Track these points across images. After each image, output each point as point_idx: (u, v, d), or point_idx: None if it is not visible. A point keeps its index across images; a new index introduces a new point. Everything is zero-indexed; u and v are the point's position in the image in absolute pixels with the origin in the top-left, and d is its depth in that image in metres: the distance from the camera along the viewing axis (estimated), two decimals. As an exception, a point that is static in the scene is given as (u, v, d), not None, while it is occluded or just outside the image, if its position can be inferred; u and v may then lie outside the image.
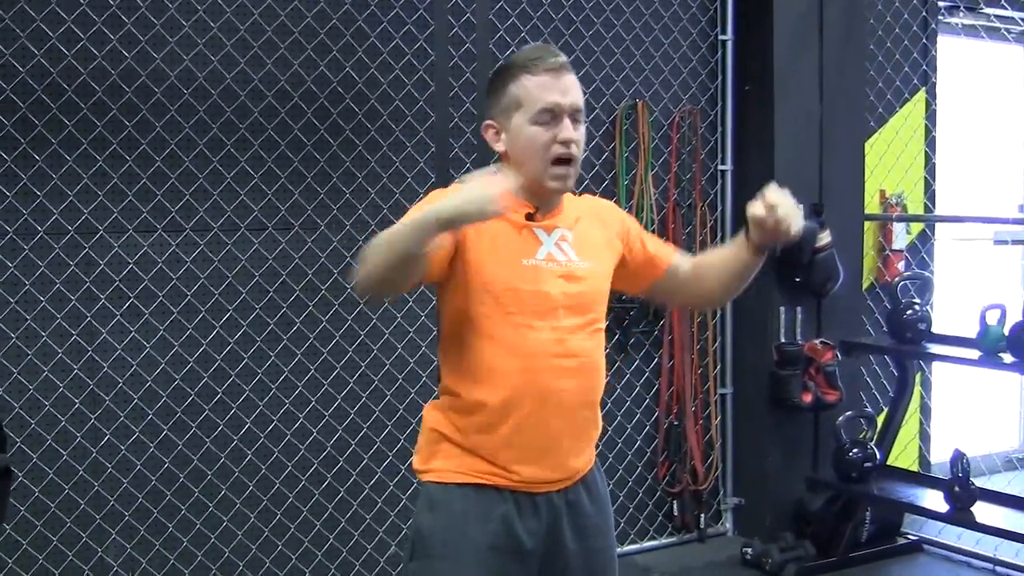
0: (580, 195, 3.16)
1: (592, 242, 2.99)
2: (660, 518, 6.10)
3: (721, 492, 6.26)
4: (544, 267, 2.85)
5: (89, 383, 4.64)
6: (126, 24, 4.60)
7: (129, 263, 4.69)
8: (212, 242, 4.85)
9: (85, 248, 4.60)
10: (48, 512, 4.58)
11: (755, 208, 2.84)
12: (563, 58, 2.87)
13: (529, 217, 2.88)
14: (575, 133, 2.84)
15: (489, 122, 2.94)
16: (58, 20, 4.48)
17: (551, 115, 2.81)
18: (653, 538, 6.09)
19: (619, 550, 5.66)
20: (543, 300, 2.82)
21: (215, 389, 4.89)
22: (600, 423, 3.06)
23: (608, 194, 5.77)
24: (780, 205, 2.81)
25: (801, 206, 2.87)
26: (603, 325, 3.01)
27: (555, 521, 2.90)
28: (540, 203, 2.90)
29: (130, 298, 4.70)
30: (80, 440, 4.64)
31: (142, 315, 4.73)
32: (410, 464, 5.07)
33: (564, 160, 2.84)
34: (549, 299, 2.83)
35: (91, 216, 4.61)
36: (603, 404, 5.47)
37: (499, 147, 2.92)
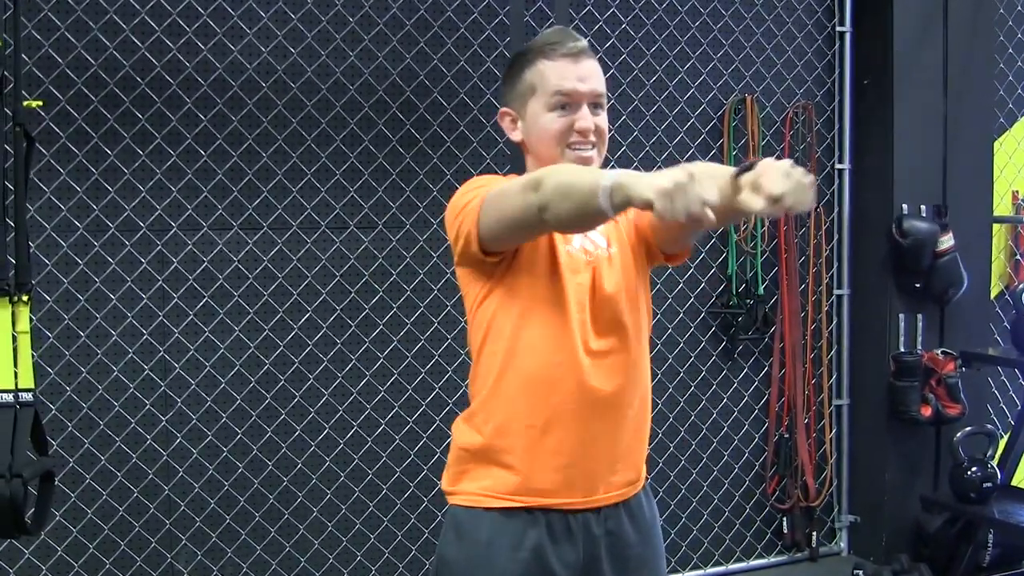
0: None
1: (618, 226, 2.74)
2: (769, 535, 5.79)
3: (835, 509, 5.93)
4: (580, 257, 2.63)
5: (160, 384, 4.53)
6: (202, 15, 4.48)
7: (204, 261, 4.57)
8: (291, 240, 4.70)
9: (158, 245, 4.50)
10: (116, 516, 4.49)
11: (752, 202, 2.11)
12: (583, 42, 2.67)
13: None
14: (594, 121, 2.63)
15: (505, 109, 2.74)
16: (132, 11, 4.38)
17: (568, 100, 2.61)
18: (761, 556, 5.79)
19: (724, 568, 5.55)
20: (576, 292, 2.59)
21: (292, 392, 4.74)
22: (647, 436, 2.79)
23: (716, 194, 5.49)
24: (785, 195, 2.09)
25: (812, 182, 2.13)
26: (646, 323, 2.75)
27: (592, 551, 2.65)
28: None
29: (204, 297, 4.58)
30: (151, 443, 4.53)
31: (216, 315, 4.60)
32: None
33: (582, 145, 2.62)
34: (582, 291, 2.60)
35: (164, 213, 4.50)
36: (708, 414, 5.32)
37: (516, 136, 2.72)
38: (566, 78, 2.61)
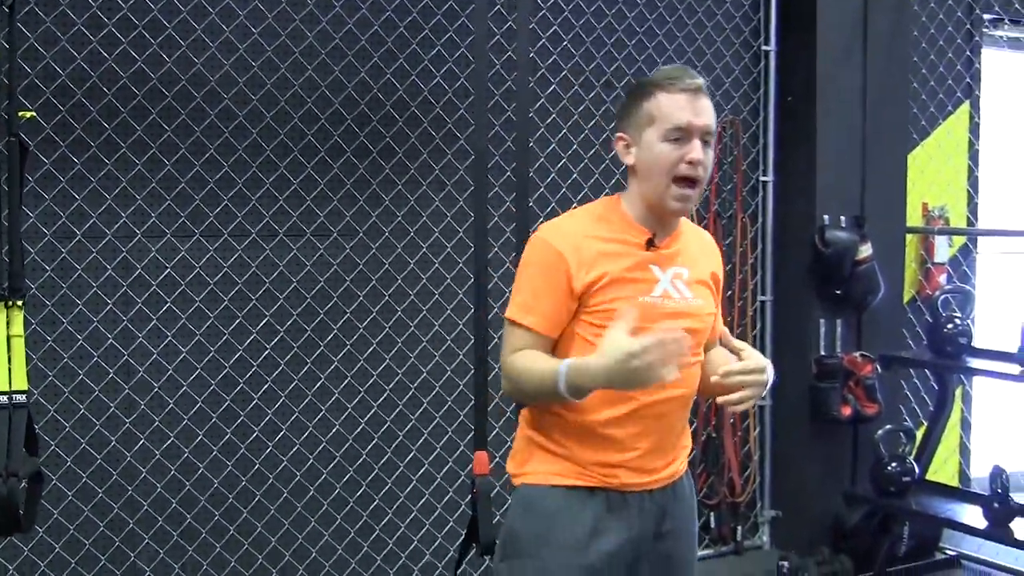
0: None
1: (702, 278, 3.06)
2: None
3: (759, 505, 6.21)
4: (660, 304, 2.93)
5: (124, 387, 4.64)
6: (167, 28, 4.60)
7: (167, 267, 4.69)
8: (250, 247, 4.84)
9: (123, 252, 4.60)
10: (81, 516, 4.58)
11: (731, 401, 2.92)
12: (701, 80, 2.94)
13: (649, 243, 2.95)
14: (703, 155, 2.90)
15: (621, 134, 3.01)
16: (99, 23, 4.48)
17: (682, 134, 2.88)
18: (689, 550, 6.03)
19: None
20: (647, 332, 2.86)
21: (251, 395, 4.87)
22: (688, 432, 3.16)
23: (647, 204, 5.72)
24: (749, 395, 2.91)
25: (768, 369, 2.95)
26: (702, 356, 3.11)
27: (644, 523, 2.99)
28: (659, 225, 2.98)
29: (167, 303, 4.69)
30: (115, 444, 4.63)
31: (178, 320, 4.73)
32: (447, 471, 5.10)
33: (688, 181, 2.90)
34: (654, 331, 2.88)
35: (129, 220, 4.60)
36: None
37: (628, 160, 2.98)
38: (683, 112, 2.88)
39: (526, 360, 2.89)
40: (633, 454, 2.94)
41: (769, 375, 2.94)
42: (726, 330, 3.15)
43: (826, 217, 5.82)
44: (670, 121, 2.87)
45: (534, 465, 3.03)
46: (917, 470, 5.60)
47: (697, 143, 2.88)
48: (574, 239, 2.93)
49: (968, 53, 6.68)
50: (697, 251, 3.09)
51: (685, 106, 2.88)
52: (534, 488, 3.01)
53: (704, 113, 2.91)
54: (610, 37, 5.61)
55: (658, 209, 2.94)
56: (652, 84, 2.95)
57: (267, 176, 4.85)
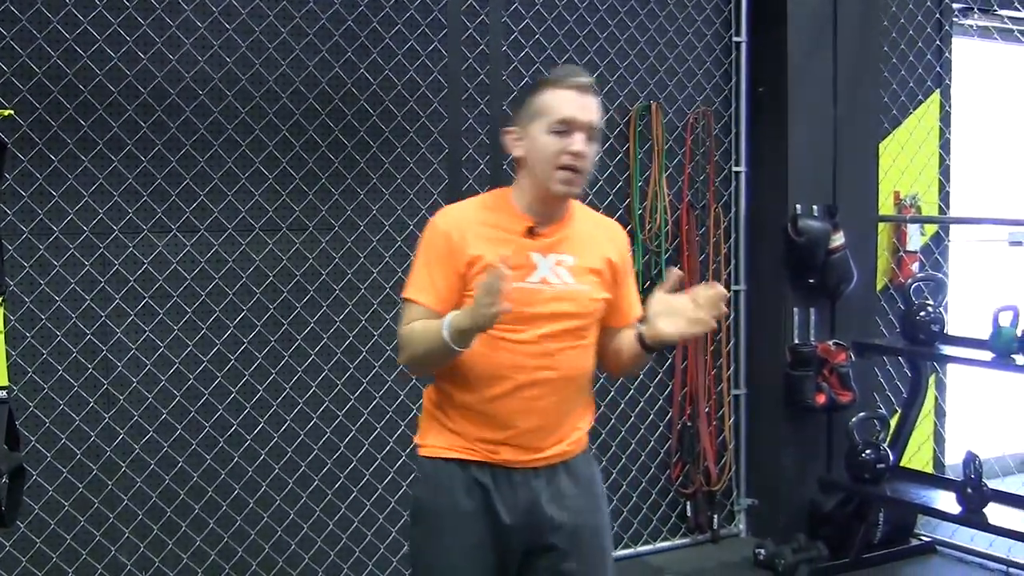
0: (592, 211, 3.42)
1: (591, 265, 3.19)
2: (673, 519, 6.11)
3: (734, 493, 6.27)
4: (537, 289, 3.08)
5: (103, 382, 4.67)
6: (142, 25, 4.63)
7: (144, 263, 4.72)
8: (226, 242, 4.87)
9: (100, 248, 4.63)
10: (62, 511, 4.61)
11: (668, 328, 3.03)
12: (588, 79, 3.11)
13: (530, 231, 3.11)
14: (585, 148, 3.03)
15: (511, 128, 3.19)
16: (74, 21, 4.50)
17: (566, 127, 3.02)
18: (666, 539, 6.10)
19: (632, 551, 5.82)
20: (524, 316, 3.03)
21: (229, 389, 4.91)
22: (584, 415, 3.28)
23: (622, 195, 5.79)
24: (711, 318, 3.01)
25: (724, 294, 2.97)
26: (590, 340, 3.22)
27: (533, 497, 3.13)
28: (544, 213, 3.14)
29: (144, 298, 4.73)
30: (94, 439, 4.66)
31: (156, 315, 4.76)
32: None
33: (571, 170, 3.04)
34: (532, 315, 3.05)
35: (106, 216, 4.63)
36: (616, 404, 5.58)
37: (517, 152, 3.17)
38: (568, 106, 3.03)
39: (417, 325, 3.07)
40: (513, 431, 3.09)
41: None
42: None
43: (798, 206, 5.88)
44: (556, 114, 3.03)
45: (431, 438, 3.23)
46: (891, 457, 5.67)
47: (580, 136, 3.03)
48: (459, 223, 3.13)
49: (938, 42, 6.73)
50: (589, 239, 3.21)
51: (571, 101, 3.04)
52: (430, 461, 3.21)
53: (589, 110, 3.06)
54: (582, 29, 5.65)
55: (544, 195, 3.10)
56: (543, 82, 3.14)
57: (243, 171, 4.88)
